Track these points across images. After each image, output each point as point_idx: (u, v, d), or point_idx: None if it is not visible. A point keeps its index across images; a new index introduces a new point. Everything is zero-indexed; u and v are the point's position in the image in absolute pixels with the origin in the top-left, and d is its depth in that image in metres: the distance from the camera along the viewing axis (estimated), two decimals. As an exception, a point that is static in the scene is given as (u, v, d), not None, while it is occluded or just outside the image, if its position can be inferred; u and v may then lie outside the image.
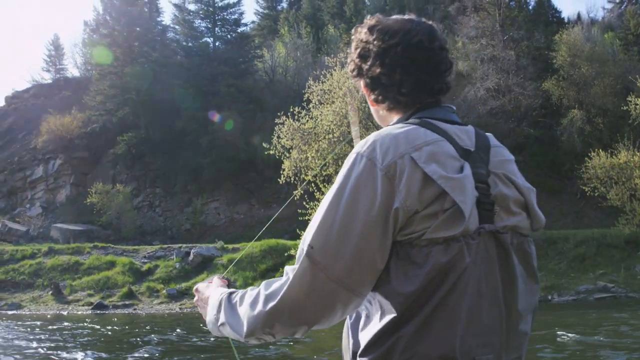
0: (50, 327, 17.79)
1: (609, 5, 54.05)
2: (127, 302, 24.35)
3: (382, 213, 1.35)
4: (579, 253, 23.71)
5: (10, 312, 23.68)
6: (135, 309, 23.58)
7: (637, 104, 26.80)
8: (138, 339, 14.19)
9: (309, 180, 24.39)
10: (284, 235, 32.34)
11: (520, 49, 37.13)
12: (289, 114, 25.07)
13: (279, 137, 24.95)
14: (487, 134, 1.61)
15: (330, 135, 24.17)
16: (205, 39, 45.44)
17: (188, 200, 40.72)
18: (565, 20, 48.51)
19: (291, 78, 46.33)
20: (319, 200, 24.43)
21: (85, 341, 14.24)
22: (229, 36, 45.11)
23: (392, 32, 1.55)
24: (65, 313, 23.28)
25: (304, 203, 24.44)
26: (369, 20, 1.64)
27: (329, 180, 24.99)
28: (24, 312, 23.89)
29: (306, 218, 24.49)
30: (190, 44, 45.81)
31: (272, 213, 38.52)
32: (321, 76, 25.64)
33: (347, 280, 1.36)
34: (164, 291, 25.00)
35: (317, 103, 25.12)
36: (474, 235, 1.37)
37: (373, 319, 1.42)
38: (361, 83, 1.66)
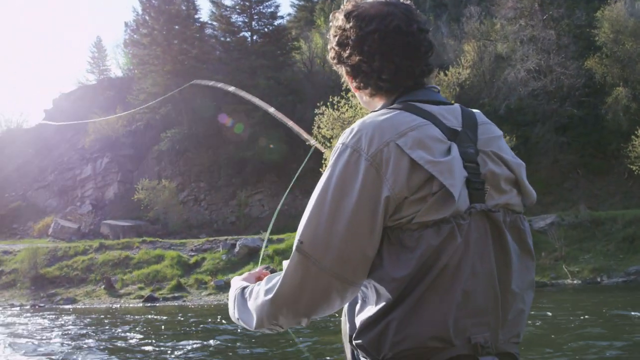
0: (106, 320, 18.42)
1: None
2: (176, 295, 24.93)
3: (369, 203, 1.35)
4: (628, 234, 23.21)
5: (66, 307, 24.51)
6: (184, 301, 24.14)
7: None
8: (198, 329, 14.61)
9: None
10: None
11: (561, 27, 36.32)
12: (328, 103, 25.17)
13: (319, 127, 25.10)
14: (474, 110, 1.60)
15: (370, 123, 24.17)
16: (242, 33, 45.79)
17: (232, 193, 41.29)
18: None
19: (329, 69, 46.29)
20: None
21: (143, 331, 14.72)
22: (266, 29, 45.36)
23: (369, 18, 1.53)
24: (117, 306, 23.99)
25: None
26: (346, 5, 1.62)
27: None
28: (78, 306, 24.70)
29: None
30: (228, 39, 46.26)
31: (315, 203, 38.77)
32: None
33: (339, 271, 1.37)
34: (212, 283, 25.50)
35: (355, 91, 25.12)
36: (464, 215, 1.37)
37: (369, 303, 1.44)
38: (342, 70, 1.65)
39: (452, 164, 1.37)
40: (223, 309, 20.77)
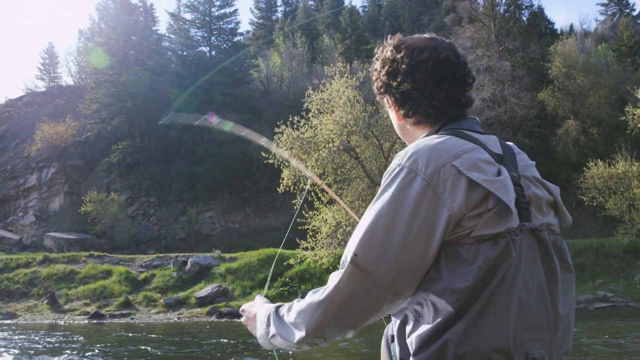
0: (47, 337, 17.60)
1: (601, 17, 54.57)
2: (124, 312, 24.13)
3: (425, 221, 1.42)
4: (578, 263, 23.76)
5: (5, 322, 23.41)
6: (132, 319, 23.37)
7: (635, 114, 26.98)
8: (141, 347, 14.07)
9: (308, 189, 24.35)
10: (280, 244, 32.24)
11: (516, 59, 37.39)
12: (287, 122, 25.02)
13: (277, 145, 24.86)
14: (509, 143, 1.69)
15: (330, 145, 24.13)
16: (201, 48, 45.42)
17: (183, 209, 40.54)
18: (559, 31, 48.97)
19: (286, 87, 46.40)
20: (317, 210, 24.40)
21: (86, 350, 14.09)
22: (224, 45, 45.11)
23: (420, 49, 1.63)
24: (61, 322, 23.05)
25: (303, 212, 24.41)
26: (392, 40, 1.72)
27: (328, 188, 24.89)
28: (19, 322, 23.63)
29: (305, 227, 24.42)
30: (185, 53, 45.79)
31: (267, 222, 38.47)
32: (320, 85, 25.60)
33: (392, 285, 1.43)
34: (162, 300, 24.81)
35: (316, 112, 25.08)
36: (517, 232, 1.44)
37: (424, 321, 1.46)
38: (387, 99, 1.74)
39: (506, 183, 1.45)
40: (173, 328, 20.20)
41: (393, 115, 1.76)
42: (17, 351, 14.09)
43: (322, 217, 24.16)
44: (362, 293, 1.44)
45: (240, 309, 1.93)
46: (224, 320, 22.39)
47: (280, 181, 24.66)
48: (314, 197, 24.32)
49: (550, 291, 1.49)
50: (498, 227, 1.41)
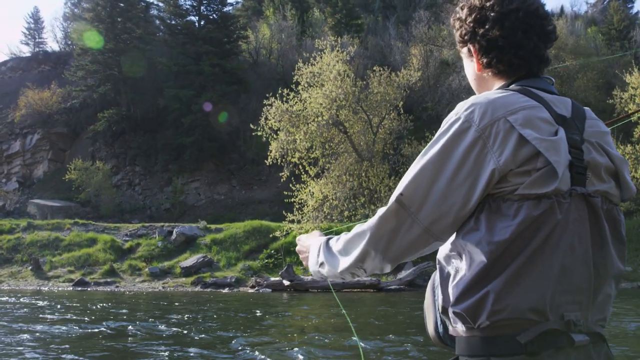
0: (31, 302, 17.58)
1: (592, 0, 54.61)
2: (108, 280, 24.14)
3: (471, 171, 1.45)
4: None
5: (-12, 287, 23.36)
6: (117, 287, 23.39)
7: (622, 98, 27.16)
8: (126, 314, 14.11)
9: (296, 162, 24.37)
10: (265, 217, 32.34)
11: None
12: (277, 95, 24.93)
13: (266, 118, 24.80)
14: (585, 107, 1.66)
15: (319, 118, 24.10)
16: (190, 17, 44.84)
17: (168, 179, 40.41)
18: (549, 13, 48.93)
19: (275, 60, 46.09)
20: (304, 183, 24.46)
21: (70, 315, 14.11)
22: (214, 15, 44.54)
23: None
24: (45, 289, 23.01)
25: (290, 185, 24.46)
26: None
27: (315, 162, 24.98)
28: (2, 287, 23.59)
29: (291, 200, 24.50)
30: (174, 22, 45.19)
31: (253, 195, 38.49)
32: (311, 58, 25.48)
33: (431, 226, 1.48)
34: (147, 269, 24.84)
35: (306, 85, 24.99)
36: (565, 195, 1.44)
37: (462, 270, 1.49)
38: (469, 48, 1.71)
39: (559, 144, 1.44)
40: (158, 296, 20.25)
41: (472, 65, 1.73)
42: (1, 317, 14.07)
43: (309, 190, 24.23)
44: (402, 230, 1.50)
45: (297, 238, 2.02)
46: (208, 290, 22.49)
47: (268, 153, 24.63)
48: (302, 171, 24.36)
49: (595, 258, 1.48)
50: (544, 187, 1.42)
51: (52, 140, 43.96)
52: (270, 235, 25.92)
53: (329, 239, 1.77)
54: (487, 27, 1.62)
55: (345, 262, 1.64)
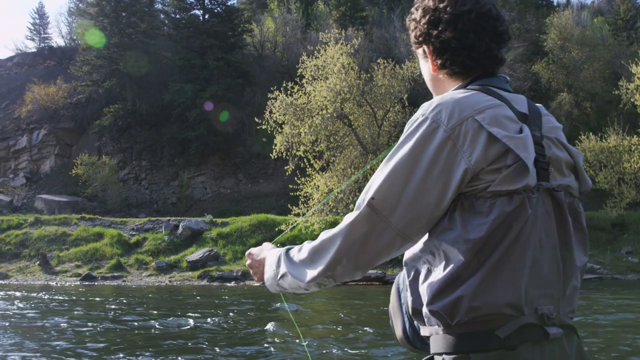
0: (40, 297, 17.71)
1: (598, -10, 54.16)
2: (115, 274, 24.28)
3: (442, 172, 1.45)
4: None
5: (-3, 282, 23.53)
6: (124, 281, 23.53)
7: (628, 89, 27.01)
8: (135, 308, 14.20)
9: (301, 155, 24.39)
10: (271, 210, 32.41)
11: (511, 31, 37.09)
12: (281, 88, 24.92)
13: (271, 112, 24.81)
14: (537, 104, 1.68)
15: (324, 111, 24.09)
16: (194, 11, 44.82)
17: (174, 173, 40.52)
18: (555, 3, 48.63)
19: (280, 53, 46.03)
20: (309, 176, 24.49)
21: (80, 310, 14.22)
22: (218, 9, 44.51)
23: (463, 0, 1.62)
24: (53, 283, 23.18)
25: (295, 178, 24.49)
26: None
27: (320, 156, 25.00)
28: (11, 282, 23.75)
29: (297, 193, 24.54)
30: (178, 16, 45.19)
31: (259, 188, 38.54)
32: (315, 51, 25.45)
33: (404, 229, 1.47)
34: (153, 264, 24.97)
35: (310, 79, 24.98)
36: (533, 190, 1.46)
37: (437, 269, 1.49)
38: (424, 49, 1.71)
39: (526, 140, 1.46)
40: (164, 290, 20.35)
41: (427, 66, 1.73)
42: (10, 312, 14.19)
43: (314, 183, 24.26)
44: (375, 234, 1.48)
45: (247, 252, 1.96)
46: (215, 284, 22.59)
47: (273, 147, 24.66)
48: (307, 164, 24.38)
49: (562, 251, 1.51)
50: (515, 183, 1.43)
51: (58, 135, 44.13)
52: (276, 229, 25.99)
53: (288, 249, 1.71)
54: (440, 28, 1.64)
55: (312, 272, 1.58)
